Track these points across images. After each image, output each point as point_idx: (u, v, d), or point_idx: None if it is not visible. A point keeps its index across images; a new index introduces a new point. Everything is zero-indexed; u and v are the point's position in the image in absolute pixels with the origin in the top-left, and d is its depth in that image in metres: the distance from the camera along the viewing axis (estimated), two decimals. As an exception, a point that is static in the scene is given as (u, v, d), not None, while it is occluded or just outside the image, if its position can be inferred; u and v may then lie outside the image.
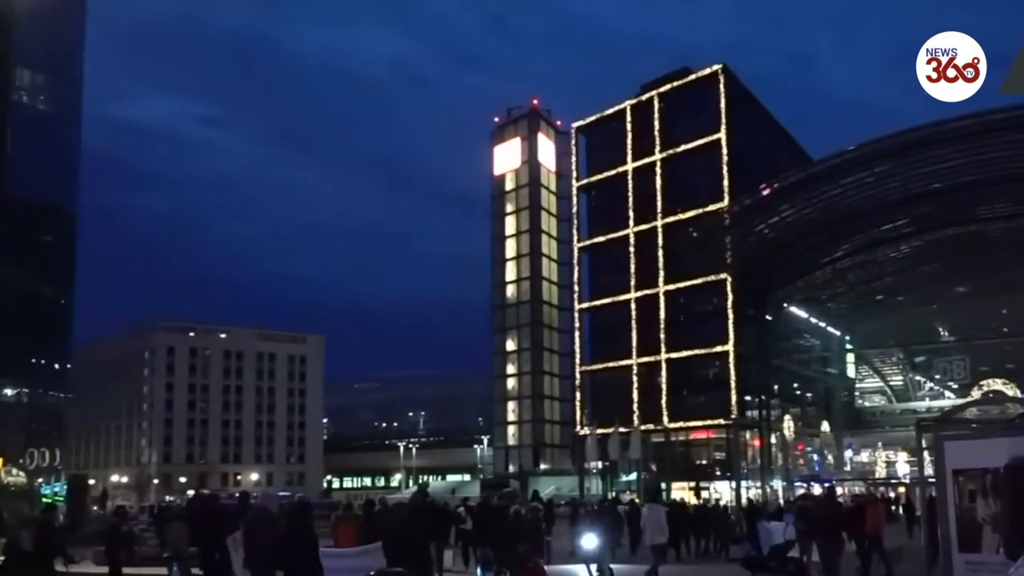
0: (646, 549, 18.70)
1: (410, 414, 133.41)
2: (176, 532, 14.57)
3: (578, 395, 71.53)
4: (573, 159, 75.56)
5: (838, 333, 57.52)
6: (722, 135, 59.39)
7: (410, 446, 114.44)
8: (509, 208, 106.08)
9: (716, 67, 61.77)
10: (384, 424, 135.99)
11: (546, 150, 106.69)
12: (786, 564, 14.45)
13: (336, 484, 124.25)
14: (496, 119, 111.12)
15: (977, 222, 35.18)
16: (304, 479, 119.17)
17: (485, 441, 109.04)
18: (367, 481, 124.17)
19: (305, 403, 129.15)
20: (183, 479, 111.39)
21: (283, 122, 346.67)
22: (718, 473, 57.35)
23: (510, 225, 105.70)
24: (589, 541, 17.12)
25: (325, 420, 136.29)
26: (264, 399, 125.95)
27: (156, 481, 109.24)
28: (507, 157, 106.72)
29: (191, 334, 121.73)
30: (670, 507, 22.66)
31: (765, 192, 45.28)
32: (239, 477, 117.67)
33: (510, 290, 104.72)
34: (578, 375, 71.02)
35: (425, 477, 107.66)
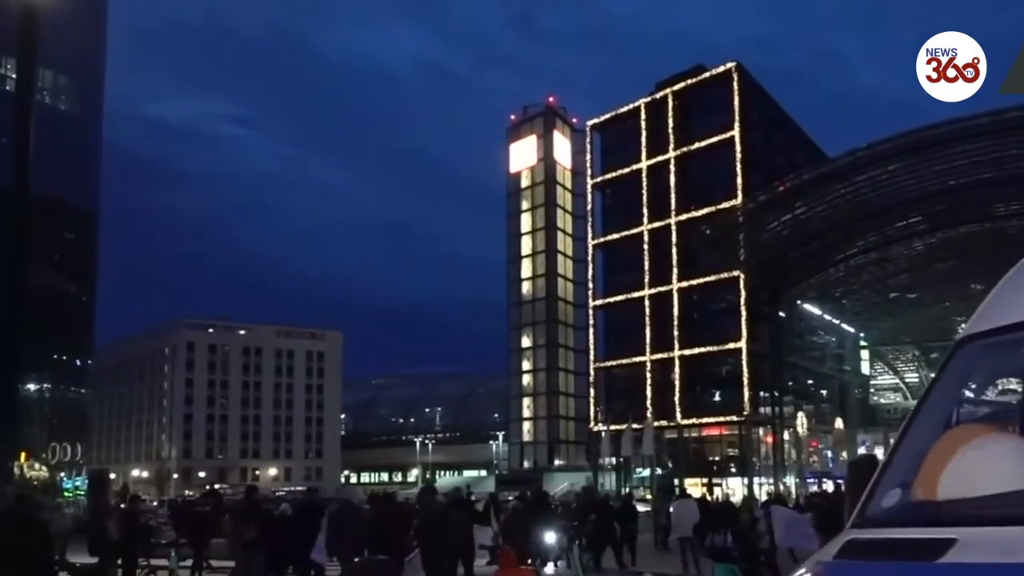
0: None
1: (427, 410, 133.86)
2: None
3: (592, 392, 71.83)
4: (588, 157, 75.84)
5: (852, 330, 57.54)
6: (736, 133, 59.45)
7: (427, 442, 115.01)
8: (525, 205, 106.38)
9: (730, 65, 61.84)
10: (401, 420, 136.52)
11: (562, 148, 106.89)
12: (754, 556, 14.69)
13: (353, 479, 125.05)
14: (512, 117, 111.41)
15: (991, 219, 35.19)
16: (322, 474, 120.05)
17: (501, 437, 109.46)
18: (384, 476, 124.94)
19: (323, 399, 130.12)
20: (202, 474, 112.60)
21: (308, 121, 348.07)
22: (732, 469, 57.53)
23: (526, 222, 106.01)
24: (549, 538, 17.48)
25: (343, 416, 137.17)
26: (283, 395, 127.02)
27: (176, 476, 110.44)
28: (523, 155, 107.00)
29: (211, 331, 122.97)
30: (699, 503, 23.22)
31: (779, 190, 45.37)
32: (258, 472, 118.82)
33: (526, 287, 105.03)
34: (592, 372, 71.31)
35: (442, 473, 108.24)
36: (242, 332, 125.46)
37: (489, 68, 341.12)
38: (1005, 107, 32.19)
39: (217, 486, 71.26)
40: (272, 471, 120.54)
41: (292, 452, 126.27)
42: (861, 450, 59.35)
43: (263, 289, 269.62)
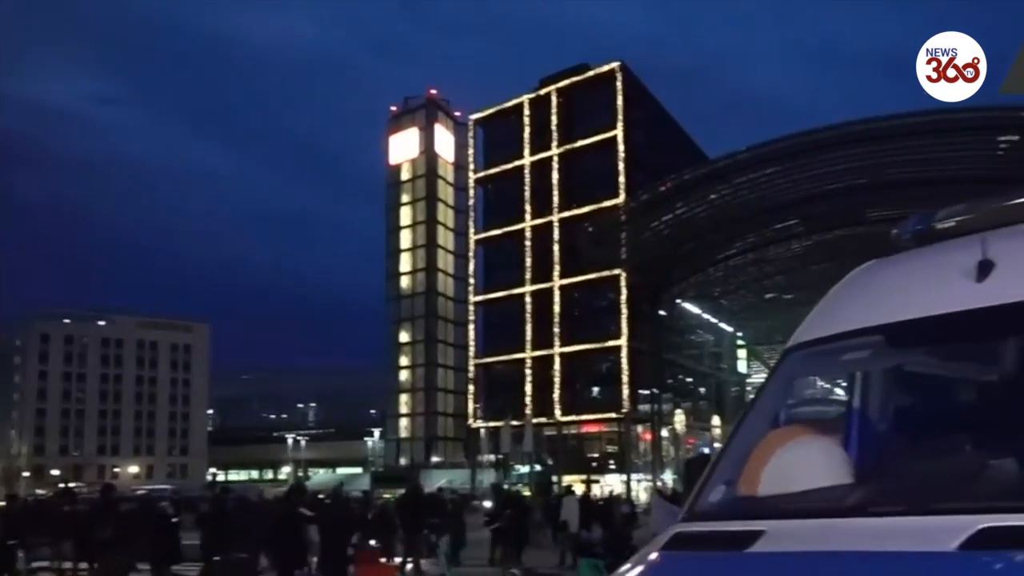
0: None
1: (300, 406, 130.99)
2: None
3: (471, 388, 71.34)
4: (471, 151, 75.24)
5: (730, 329, 58.83)
6: (619, 132, 60.03)
7: (299, 438, 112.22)
8: (405, 198, 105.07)
9: (614, 65, 62.37)
10: (273, 416, 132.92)
11: (444, 140, 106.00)
12: (620, 550, 14.70)
13: (221, 477, 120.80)
14: (393, 108, 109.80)
15: (865, 224, 36.12)
16: (187, 472, 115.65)
17: (377, 434, 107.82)
18: (254, 474, 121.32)
19: (189, 393, 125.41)
20: (56, 472, 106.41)
21: (188, 104, 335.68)
22: (611, 466, 58.04)
23: (406, 216, 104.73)
24: None
25: (210, 411, 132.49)
26: (145, 389, 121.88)
27: (26, 474, 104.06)
28: (404, 147, 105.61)
29: (67, 321, 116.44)
30: (580, 499, 24.13)
31: (661, 190, 45.76)
32: (117, 470, 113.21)
33: (405, 281, 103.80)
34: (472, 368, 70.83)
35: (315, 470, 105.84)
36: (101, 323, 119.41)
37: (377, 55, 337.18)
38: (880, 115, 33.21)
39: (72, 484, 67.53)
40: (133, 469, 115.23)
41: (155, 449, 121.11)
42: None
43: (132, 279, 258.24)
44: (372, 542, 17.49)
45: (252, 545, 13.38)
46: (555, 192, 63.58)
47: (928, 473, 2.89)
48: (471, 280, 73.65)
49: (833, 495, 2.72)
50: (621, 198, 55.27)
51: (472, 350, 70.65)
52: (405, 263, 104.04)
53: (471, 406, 70.26)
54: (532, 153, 65.91)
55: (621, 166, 58.92)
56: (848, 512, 2.58)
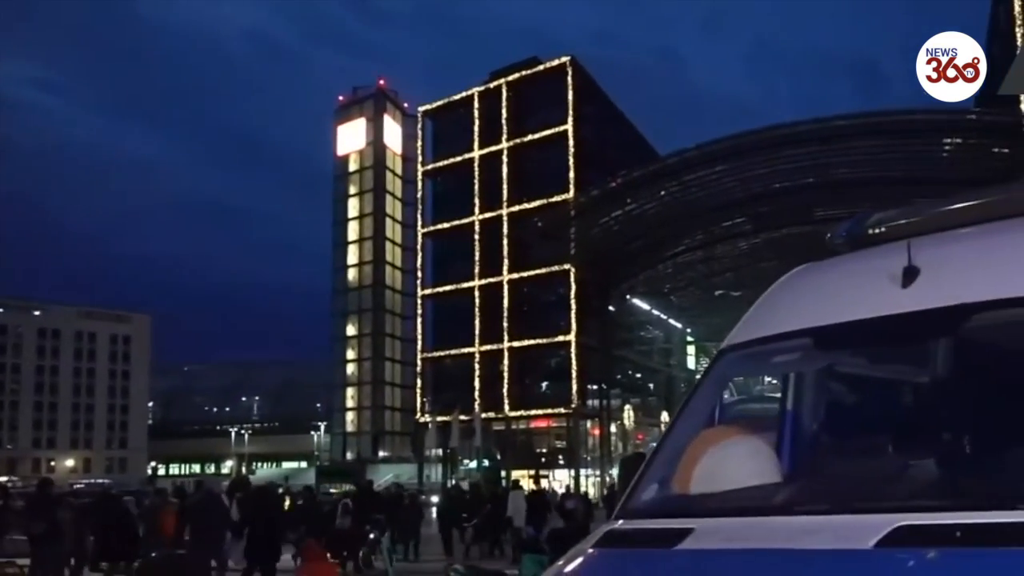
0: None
1: (244, 399, 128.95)
2: None
3: (419, 382, 70.92)
4: (419, 143, 74.67)
5: (680, 326, 59.38)
6: (569, 127, 59.99)
7: (243, 432, 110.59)
8: (353, 190, 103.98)
9: (565, 59, 62.29)
10: (216, 409, 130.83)
11: (392, 132, 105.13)
12: (562, 545, 14.80)
13: (162, 471, 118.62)
14: (341, 98, 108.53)
15: (813, 223, 36.61)
16: (126, 465, 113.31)
17: (323, 428, 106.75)
18: (196, 468, 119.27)
19: (128, 385, 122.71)
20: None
21: (125, 89, 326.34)
22: (560, 461, 58.15)
23: (353, 207, 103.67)
24: None
25: (151, 404, 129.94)
26: (83, 381, 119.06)
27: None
28: (351, 137, 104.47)
29: (0, 310, 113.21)
30: (529, 494, 24.57)
31: (611, 186, 45.92)
32: (53, 463, 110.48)
33: (352, 274, 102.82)
34: (420, 362, 70.39)
35: (259, 464, 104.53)
36: (37, 313, 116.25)
37: (322, 44, 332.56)
38: (828, 116, 33.73)
39: (4, 478, 65.89)
40: (69, 462, 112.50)
41: (92, 442, 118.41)
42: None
43: (68, 269, 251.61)
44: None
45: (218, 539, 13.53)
46: (505, 186, 63.36)
47: (852, 473, 3.03)
48: (419, 273, 73.17)
49: (761, 494, 2.83)
50: (571, 193, 55.26)
51: (420, 344, 70.20)
52: (352, 256, 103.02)
53: (419, 400, 69.87)
54: (482, 147, 65.59)
55: (571, 161, 58.90)
56: (774, 511, 2.68)
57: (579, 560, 2.76)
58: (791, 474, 3.25)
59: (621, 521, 2.97)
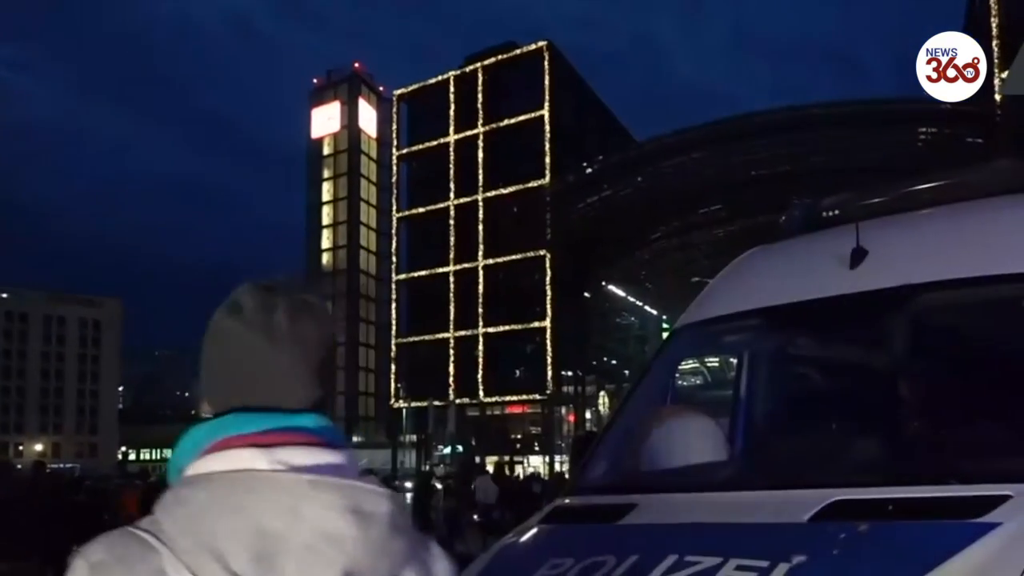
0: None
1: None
2: None
3: (394, 367, 70.59)
4: (395, 127, 74.06)
5: (655, 312, 59.40)
6: (546, 112, 59.67)
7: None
8: (327, 174, 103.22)
9: (542, 44, 61.93)
10: (189, 394, 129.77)
11: (367, 116, 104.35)
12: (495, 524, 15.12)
13: (133, 456, 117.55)
14: (315, 80, 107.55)
15: (788, 210, 36.91)
16: (96, 451, 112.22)
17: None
18: (168, 454, 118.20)
19: (98, 370, 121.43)
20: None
21: (97, 69, 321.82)
22: (535, 447, 58.16)
23: (328, 191, 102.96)
24: None
25: (121, 388, 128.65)
26: (52, 365, 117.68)
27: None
28: (326, 121, 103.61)
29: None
30: (494, 476, 24.57)
31: (587, 172, 45.82)
32: (21, 448, 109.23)
33: (326, 258, 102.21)
34: (394, 347, 70.04)
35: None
36: (5, 296, 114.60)
37: (298, 26, 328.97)
38: (804, 104, 33.87)
39: None
40: (38, 447, 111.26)
41: (62, 427, 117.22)
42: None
43: (37, 251, 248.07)
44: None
45: None
46: (480, 171, 62.99)
47: (794, 450, 3.11)
48: (394, 258, 72.67)
49: (705, 471, 2.90)
50: (547, 179, 55.09)
51: (395, 329, 69.83)
52: (326, 240, 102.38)
53: (393, 386, 69.54)
54: (457, 131, 65.13)
55: (548, 147, 58.61)
56: (716, 487, 2.78)
57: (524, 535, 2.81)
58: (737, 451, 3.37)
59: (569, 498, 3.06)
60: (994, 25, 32.36)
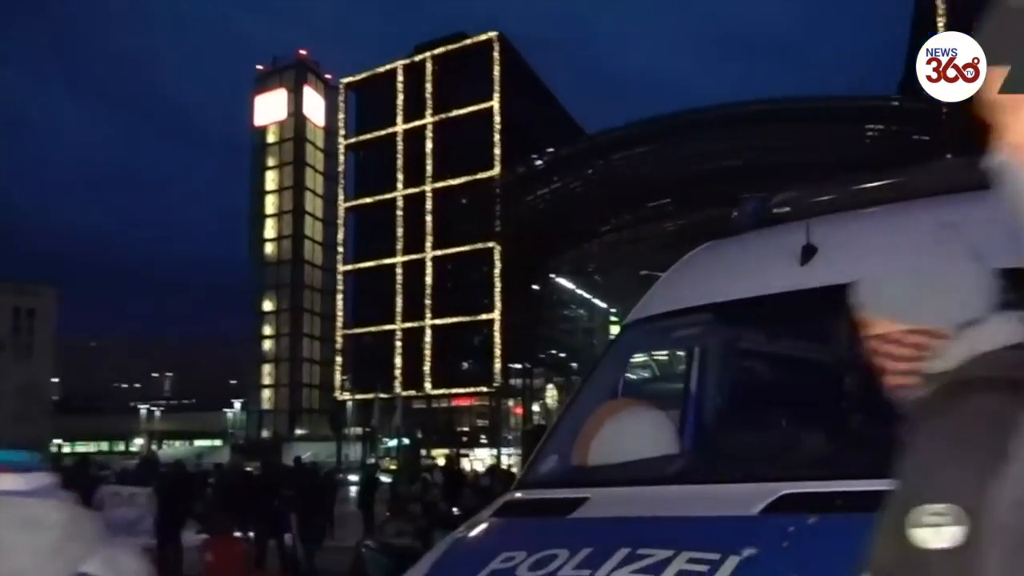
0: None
1: (155, 375, 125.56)
2: None
3: (339, 359, 69.84)
4: (341, 115, 73.17)
5: (604, 305, 59.47)
6: (495, 103, 59.48)
7: (153, 409, 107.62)
8: (272, 162, 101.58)
9: (492, 34, 61.69)
10: (125, 385, 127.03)
11: (314, 104, 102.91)
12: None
13: (67, 448, 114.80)
14: (260, 67, 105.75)
15: (738, 205, 37.09)
16: (29, 443, 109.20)
17: (238, 405, 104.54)
18: (104, 446, 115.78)
19: (32, 361, 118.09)
20: None
21: (32, 51, 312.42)
22: (482, 440, 57.96)
23: (272, 180, 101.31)
24: None
25: (55, 380, 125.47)
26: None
27: None
28: (271, 108, 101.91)
29: None
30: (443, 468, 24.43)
31: (537, 164, 45.68)
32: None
33: (270, 248, 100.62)
34: (340, 339, 69.31)
35: (171, 442, 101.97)
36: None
37: (243, 11, 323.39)
38: (754, 100, 34.12)
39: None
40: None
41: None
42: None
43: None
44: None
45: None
46: (429, 161, 62.55)
47: (745, 444, 3.15)
48: (340, 249, 71.89)
49: (657, 465, 2.93)
50: (496, 170, 54.91)
51: (340, 321, 69.12)
52: (270, 229, 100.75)
53: (338, 378, 68.82)
54: (406, 121, 64.60)
55: (497, 138, 58.45)
56: (667, 480, 2.80)
57: (475, 529, 2.81)
58: (689, 445, 3.44)
59: (520, 492, 3.07)
60: (940, 25, 32.92)
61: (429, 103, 63.47)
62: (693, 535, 2.33)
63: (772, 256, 3.07)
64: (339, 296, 70.95)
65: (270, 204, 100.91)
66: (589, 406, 3.30)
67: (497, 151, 57.86)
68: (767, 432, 3.19)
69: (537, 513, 2.82)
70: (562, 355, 60.76)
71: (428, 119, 63.23)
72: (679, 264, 3.61)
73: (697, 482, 2.77)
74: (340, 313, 69.55)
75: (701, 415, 3.81)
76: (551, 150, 46.50)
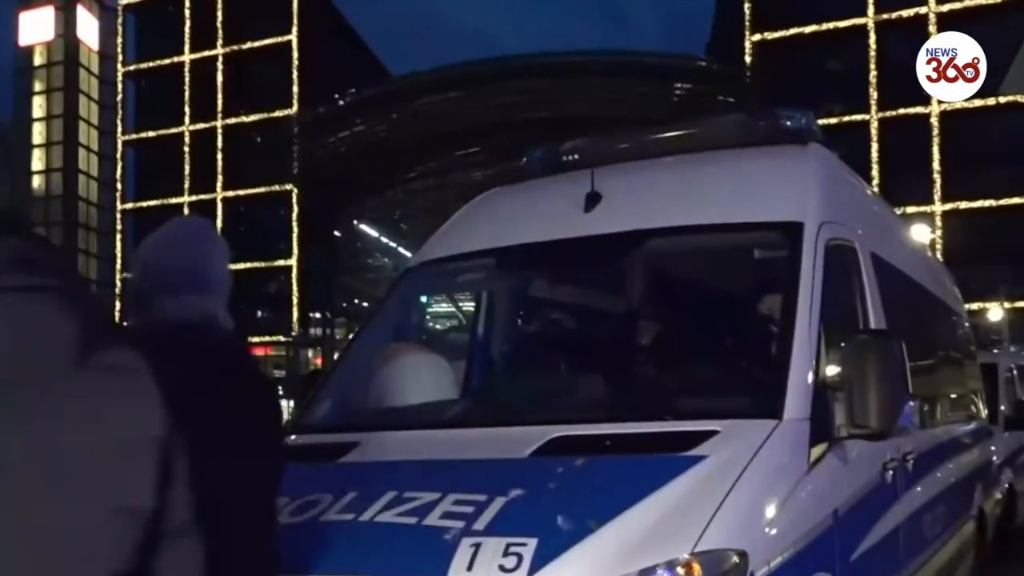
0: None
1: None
2: None
3: (119, 304, 65.18)
4: (119, 39, 67.22)
5: (409, 254, 58.73)
6: (294, 37, 56.48)
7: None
8: (39, 87, 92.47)
9: (290, -37, 58.23)
10: None
11: (88, 25, 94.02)
12: None
13: None
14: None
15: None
16: None
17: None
18: None
19: None
20: None
21: None
22: (280, 392, 56.06)
23: (39, 107, 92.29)
24: None
25: None
26: None
27: None
28: (37, 27, 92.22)
29: None
30: None
31: (338, 105, 44.34)
32: None
33: (37, 181, 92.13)
34: (119, 283, 64.64)
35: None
36: None
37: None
38: (567, 51, 34.14)
39: None
40: None
41: None
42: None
43: None
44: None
45: None
46: (220, 96, 58.65)
47: (520, 388, 3.20)
48: (119, 186, 66.56)
49: (431, 409, 2.96)
50: (295, 109, 52.58)
51: (120, 263, 64.31)
52: (38, 161, 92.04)
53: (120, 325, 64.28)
54: (193, 50, 60.10)
55: (295, 75, 55.63)
56: (441, 424, 2.84)
57: None
58: (467, 390, 3.50)
59: (293, 437, 3.01)
60: (747, 49, 33.70)
61: (220, 32, 59.31)
62: (461, 478, 2.34)
63: (558, 203, 3.11)
64: (118, 237, 65.91)
65: (37, 133, 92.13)
66: (366, 351, 3.31)
67: (295, 89, 55.13)
68: (544, 377, 3.20)
69: (307, 458, 2.70)
70: (365, 305, 59.82)
71: (219, 50, 59.16)
72: (465, 209, 3.68)
73: (470, 426, 2.78)
74: (119, 255, 64.76)
75: (485, 360, 3.84)
76: (354, 91, 45.01)
